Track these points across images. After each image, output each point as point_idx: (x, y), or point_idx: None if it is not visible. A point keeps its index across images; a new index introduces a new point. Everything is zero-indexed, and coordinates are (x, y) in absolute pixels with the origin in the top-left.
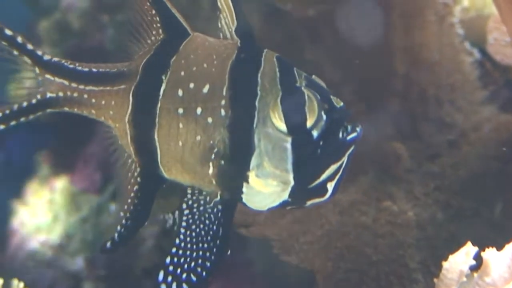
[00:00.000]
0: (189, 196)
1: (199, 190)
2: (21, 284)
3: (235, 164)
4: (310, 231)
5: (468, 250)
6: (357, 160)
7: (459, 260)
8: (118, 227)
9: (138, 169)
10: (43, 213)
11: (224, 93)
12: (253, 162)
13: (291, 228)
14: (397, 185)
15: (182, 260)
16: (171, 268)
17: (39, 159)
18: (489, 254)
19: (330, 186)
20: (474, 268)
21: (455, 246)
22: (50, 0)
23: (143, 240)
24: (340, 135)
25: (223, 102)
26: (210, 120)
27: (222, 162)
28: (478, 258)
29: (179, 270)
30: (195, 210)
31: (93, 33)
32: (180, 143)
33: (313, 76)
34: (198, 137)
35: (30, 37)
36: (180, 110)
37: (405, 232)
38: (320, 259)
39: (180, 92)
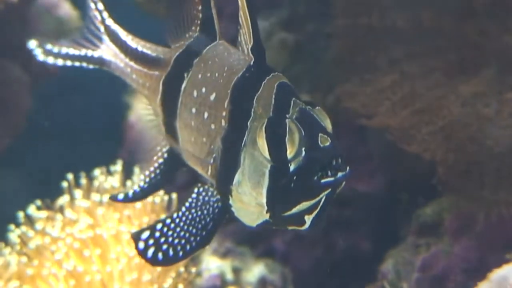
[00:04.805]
0: (202, 183)
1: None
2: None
3: (223, 175)
4: (432, 121)
5: None
6: (479, 52)
7: None
8: (135, 186)
9: (167, 147)
10: None
11: (225, 105)
12: (236, 178)
13: (413, 119)
14: None
15: (170, 233)
16: (157, 234)
17: None
18: None
19: (308, 219)
20: None
21: None
22: None
23: None
24: (318, 175)
25: (224, 113)
26: (213, 126)
27: (215, 169)
28: None
29: (162, 239)
30: (201, 197)
31: None
32: (192, 139)
33: (317, 108)
34: (204, 139)
35: None
36: (193, 110)
37: None
38: (442, 150)
39: (195, 93)
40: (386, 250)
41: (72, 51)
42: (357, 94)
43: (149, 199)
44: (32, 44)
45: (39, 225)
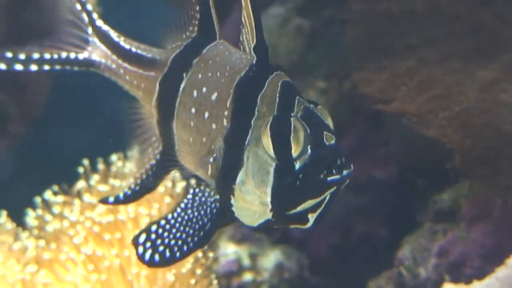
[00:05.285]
0: (198, 183)
1: (207, 183)
2: None
3: (224, 174)
4: (449, 107)
5: None
6: (496, 38)
7: None
8: (126, 189)
9: (160, 148)
10: None
11: (228, 105)
12: (239, 177)
13: (430, 104)
14: None
15: (165, 234)
16: (153, 236)
17: None
18: None
19: (312, 217)
20: None
21: None
22: None
23: None
24: (324, 173)
25: (226, 112)
26: (214, 126)
27: (216, 169)
28: None
29: (159, 241)
30: (197, 198)
31: None
32: (191, 139)
33: (319, 107)
34: (204, 139)
35: None
36: (193, 110)
37: None
38: (459, 136)
39: (194, 93)
40: (403, 237)
41: (47, 55)
42: (374, 80)
43: (169, 184)
44: None
45: (56, 210)
